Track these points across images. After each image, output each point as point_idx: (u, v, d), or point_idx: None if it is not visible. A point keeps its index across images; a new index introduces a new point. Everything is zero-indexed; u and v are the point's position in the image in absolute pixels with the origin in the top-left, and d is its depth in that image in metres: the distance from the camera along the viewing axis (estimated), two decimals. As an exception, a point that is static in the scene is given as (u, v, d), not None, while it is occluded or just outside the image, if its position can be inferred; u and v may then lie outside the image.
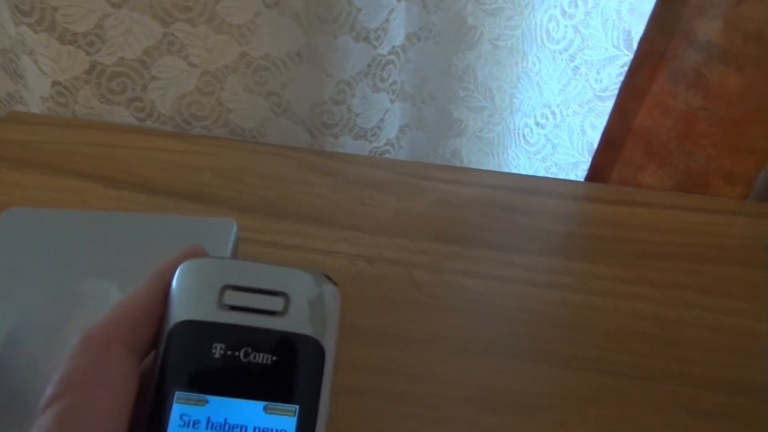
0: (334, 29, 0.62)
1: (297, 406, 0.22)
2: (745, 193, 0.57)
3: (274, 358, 0.22)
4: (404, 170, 0.59)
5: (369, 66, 0.67)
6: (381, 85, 0.72)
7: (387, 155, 0.80)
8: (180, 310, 0.23)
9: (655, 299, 0.48)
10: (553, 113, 0.65)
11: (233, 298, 0.23)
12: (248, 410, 0.22)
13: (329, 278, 0.24)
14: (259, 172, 0.58)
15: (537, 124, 0.67)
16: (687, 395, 0.41)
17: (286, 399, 0.22)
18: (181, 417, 0.21)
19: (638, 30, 0.54)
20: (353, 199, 0.56)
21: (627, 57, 0.59)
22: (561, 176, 0.72)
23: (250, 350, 0.22)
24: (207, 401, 0.21)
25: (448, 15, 0.68)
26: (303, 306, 0.23)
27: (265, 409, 0.21)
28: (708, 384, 0.42)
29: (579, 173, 0.69)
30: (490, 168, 0.78)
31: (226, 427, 0.21)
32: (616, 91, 0.58)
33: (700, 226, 0.55)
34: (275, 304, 0.23)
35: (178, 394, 0.21)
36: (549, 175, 0.75)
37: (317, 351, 0.23)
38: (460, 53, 0.71)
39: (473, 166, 0.82)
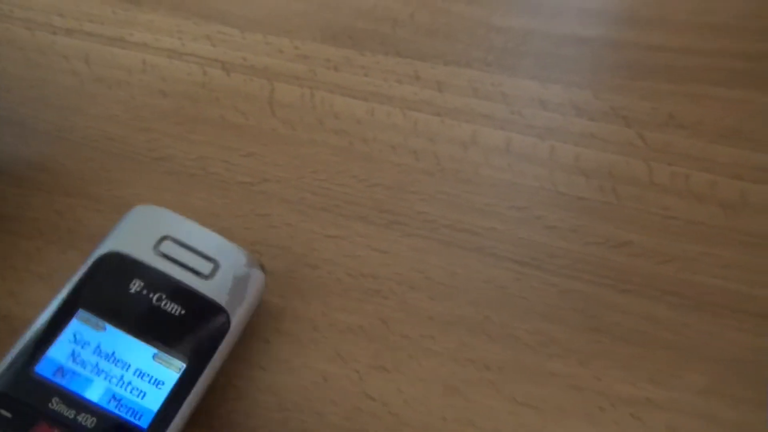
0: None
1: (184, 365, 0.22)
2: None
3: (183, 312, 0.23)
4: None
5: None
6: None
7: None
8: (117, 242, 0.24)
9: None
10: None
11: (169, 248, 0.24)
12: (139, 351, 0.22)
13: (262, 266, 0.26)
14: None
15: None
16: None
17: (177, 354, 0.22)
18: (75, 334, 0.22)
19: None
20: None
21: None
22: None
23: (164, 297, 0.23)
24: (104, 328, 0.22)
25: None
26: (227, 278, 0.24)
27: (154, 356, 0.22)
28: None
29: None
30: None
31: (112, 359, 0.22)
32: None
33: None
34: (204, 267, 0.24)
35: (81, 311, 0.22)
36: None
37: (224, 323, 0.24)
38: None
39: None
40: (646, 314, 0.27)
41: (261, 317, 0.28)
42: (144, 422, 0.21)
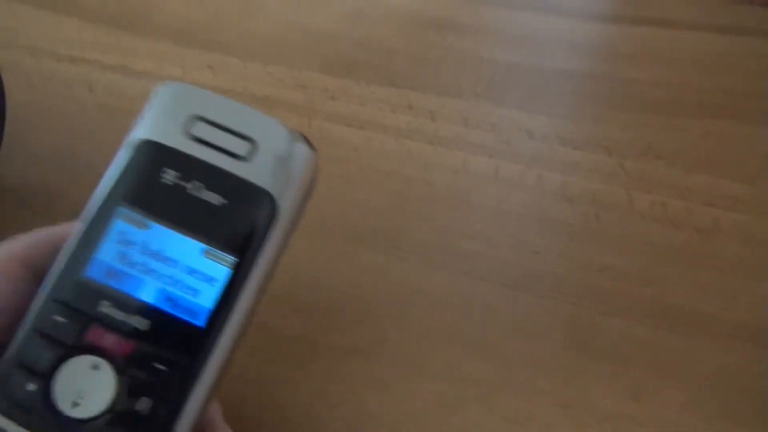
0: None
1: (236, 260, 0.21)
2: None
3: (224, 201, 0.21)
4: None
5: None
6: None
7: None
8: (143, 129, 0.22)
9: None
10: None
11: (200, 129, 0.22)
12: (187, 247, 0.21)
13: (307, 140, 0.23)
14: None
15: None
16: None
17: (226, 247, 0.21)
18: (119, 233, 0.21)
19: None
20: (242, 3, 0.41)
21: None
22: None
23: (201, 185, 0.21)
24: (148, 226, 0.21)
25: None
26: (269, 158, 0.22)
27: (203, 252, 0.21)
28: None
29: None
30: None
31: (161, 257, 0.21)
32: None
33: (757, 61, 0.36)
34: (240, 147, 0.22)
35: (122, 209, 0.21)
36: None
37: (270, 209, 0.21)
38: None
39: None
40: (628, 335, 0.29)
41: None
42: (200, 320, 0.20)
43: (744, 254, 0.30)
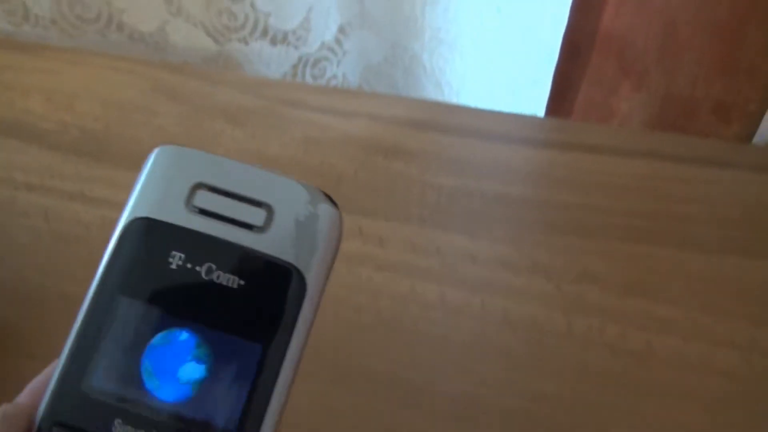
0: None
1: (264, 349, 0.18)
2: (746, 134, 0.39)
3: (242, 282, 0.18)
4: (272, 93, 0.45)
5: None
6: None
7: (326, 63, 0.66)
8: (140, 205, 0.19)
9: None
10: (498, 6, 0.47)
11: (205, 200, 0.19)
12: (207, 343, 0.18)
13: (329, 197, 0.20)
14: (98, 95, 0.46)
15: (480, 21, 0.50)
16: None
17: (248, 336, 0.18)
18: (124, 334, 0.18)
19: None
20: (197, 135, 0.43)
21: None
22: (519, 91, 0.55)
23: (214, 267, 0.18)
24: (157, 321, 0.18)
25: None
26: (289, 224, 0.19)
27: (228, 345, 0.18)
28: None
29: (541, 90, 0.51)
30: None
31: (175, 356, 0.18)
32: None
33: (675, 185, 0.39)
34: (255, 216, 0.19)
35: (125, 302, 0.18)
36: (503, 91, 0.57)
37: (298, 284, 0.18)
38: None
39: (435, 73, 0.66)
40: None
41: None
42: (231, 425, 0.18)
43: (675, 379, 0.32)
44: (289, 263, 0.18)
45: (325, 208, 0.19)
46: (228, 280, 0.18)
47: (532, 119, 0.43)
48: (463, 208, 0.39)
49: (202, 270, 0.18)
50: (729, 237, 0.36)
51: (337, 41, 0.64)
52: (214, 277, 0.18)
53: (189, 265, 0.18)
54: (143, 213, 0.19)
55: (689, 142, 0.41)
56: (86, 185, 0.41)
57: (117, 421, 0.17)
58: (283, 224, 0.19)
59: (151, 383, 0.18)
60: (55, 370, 0.18)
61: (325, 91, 0.48)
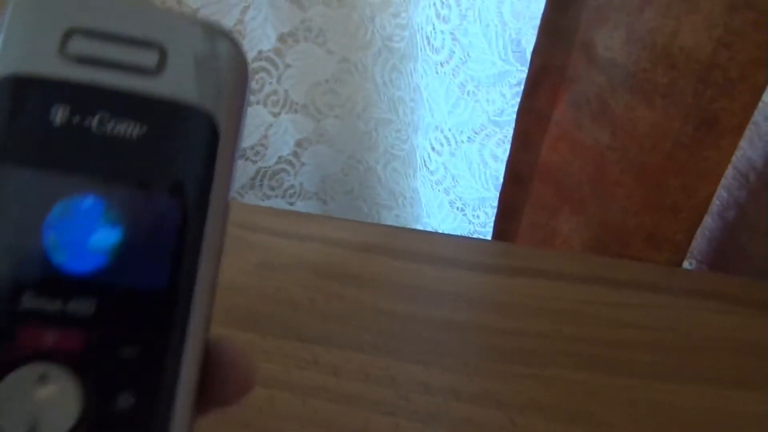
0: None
1: (182, 198, 0.16)
2: (676, 259, 0.42)
3: (142, 130, 0.16)
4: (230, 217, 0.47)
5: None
6: (253, 98, 0.59)
7: (284, 175, 0.68)
8: (4, 61, 0.16)
9: None
10: (447, 139, 0.51)
11: (82, 46, 0.16)
12: (112, 199, 0.16)
13: (228, 33, 0.17)
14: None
15: (433, 149, 0.53)
16: None
17: (161, 188, 0.16)
18: (18, 200, 0.15)
19: (529, 39, 0.40)
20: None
21: (520, 73, 0.44)
22: (467, 213, 0.58)
23: (106, 117, 0.16)
24: (52, 183, 0.16)
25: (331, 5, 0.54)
26: (185, 64, 0.16)
27: (136, 198, 0.16)
28: None
29: (487, 211, 0.55)
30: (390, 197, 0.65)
31: (80, 218, 0.16)
32: (513, 116, 0.44)
33: (612, 310, 0.41)
34: (145, 58, 0.16)
35: (10, 171, 0.15)
36: (452, 212, 0.60)
37: (206, 125, 0.16)
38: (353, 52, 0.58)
39: (389, 184, 0.69)
40: None
41: None
42: (160, 280, 0.16)
43: None
44: (193, 103, 0.16)
45: (225, 45, 0.17)
46: (125, 129, 0.16)
47: (479, 243, 0.46)
48: (415, 335, 0.40)
49: (93, 122, 0.16)
50: (660, 362, 0.39)
51: (295, 154, 0.67)
52: (107, 128, 0.16)
53: (76, 120, 0.16)
54: (10, 70, 0.16)
55: (626, 266, 0.44)
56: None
57: (28, 301, 0.15)
58: (179, 64, 0.16)
59: (60, 257, 0.16)
60: None
61: (281, 214, 0.49)
